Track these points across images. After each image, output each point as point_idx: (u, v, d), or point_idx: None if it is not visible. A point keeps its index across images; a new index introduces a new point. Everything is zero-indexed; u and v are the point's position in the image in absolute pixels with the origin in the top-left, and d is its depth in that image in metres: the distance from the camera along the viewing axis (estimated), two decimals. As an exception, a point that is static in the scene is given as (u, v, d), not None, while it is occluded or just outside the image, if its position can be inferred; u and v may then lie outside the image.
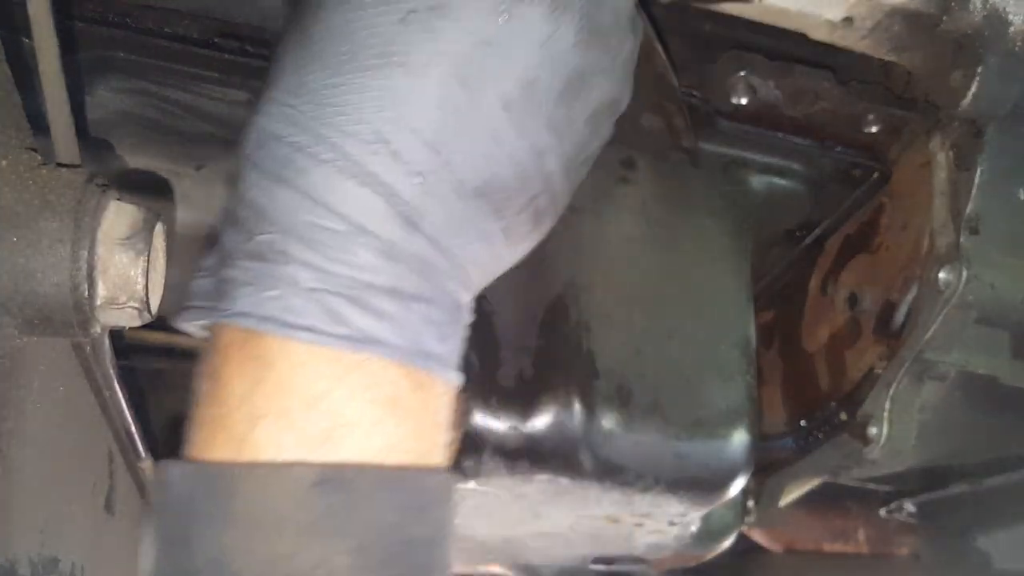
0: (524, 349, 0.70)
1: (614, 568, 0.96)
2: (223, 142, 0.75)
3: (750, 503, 0.98)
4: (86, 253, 0.48)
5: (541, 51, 0.47)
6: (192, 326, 0.49)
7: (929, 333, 0.74)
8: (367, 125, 0.44)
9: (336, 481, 0.43)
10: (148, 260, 0.49)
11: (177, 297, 0.56)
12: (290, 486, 0.43)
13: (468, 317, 0.52)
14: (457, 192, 0.47)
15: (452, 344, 0.50)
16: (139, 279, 0.49)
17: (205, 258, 0.49)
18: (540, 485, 0.72)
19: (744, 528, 1.05)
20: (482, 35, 0.45)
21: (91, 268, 0.48)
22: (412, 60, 0.45)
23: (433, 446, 0.49)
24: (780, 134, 0.80)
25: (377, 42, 0.45)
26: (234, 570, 0.42)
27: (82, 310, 0.48)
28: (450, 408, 0.50)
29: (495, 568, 1.00)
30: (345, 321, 0.44)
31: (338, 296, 0.44)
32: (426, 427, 0.48)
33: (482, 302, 0.70)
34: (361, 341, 0.45)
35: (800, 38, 0.69)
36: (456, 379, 0.50)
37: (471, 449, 0.68)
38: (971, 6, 0.65)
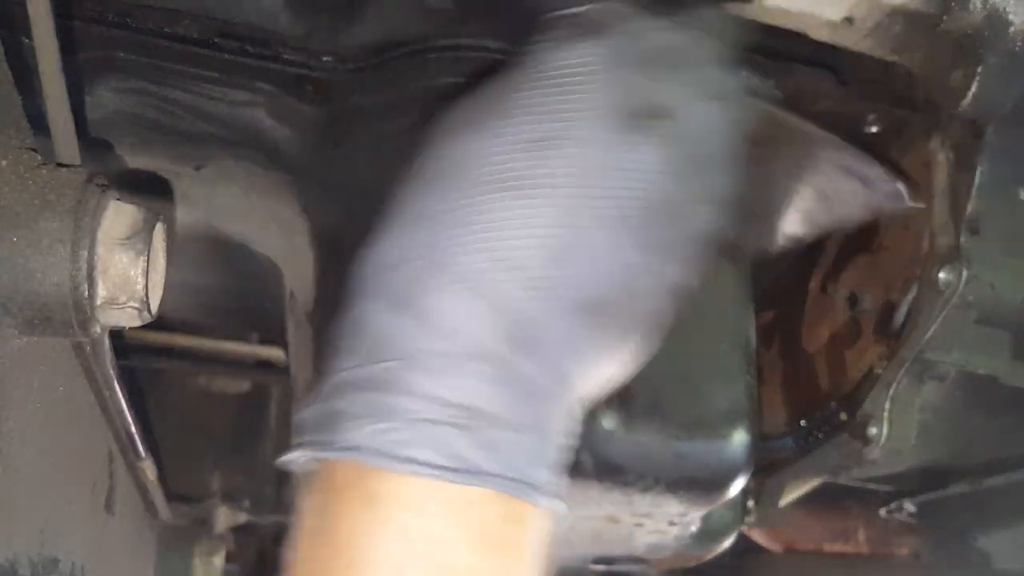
0: (524, 349, 0.70)
1: (614, 568, 0.96)
2: (223, 142, 0.75)
3: (750, 503, 0.98)
4: (86, 253, 0.48)
5: (651, 178, 0.49)
6: (301, 462, 0.48)
7: (929, 333, 0.74)
8: (483, 246, 0.46)
9: None
10: (148, 260, 0.49)
11: (177, 297, 0.56)
12: None
13: (567, 443, 0.52)
14: (571, 307, 0.48)
15: (557, 472, 0.50)
16: (139, 279, 0.49)
17: (312, 391, 0.49)
18: (540, 485, 0.72)
19: (744, 528, 1.05)
20: (598, 161, 0.47)
21: (91, 268, 0.48)
22: (528, 183, 0.46)
23: None
24: (780, 134, 0.80)
25: (492, 169, 0.47)
26: None
27: (82, 310, 0.48)
28: (547, 537, 0.50)
29: (495, 568, 1.00)
30: (458, 454, 0.44)
31: (452, 427, 0.44)
32: (523, 564, 0.48)
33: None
34: (473, 474, 0.44)
35: (800, 38, 0.69)
36: (559, 508, 0.49)
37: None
38: (971, 6, 0.64)
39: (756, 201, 0.76)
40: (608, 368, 0.53)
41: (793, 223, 0.80)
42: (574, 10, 0.53)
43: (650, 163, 0.49)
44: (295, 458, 0.47)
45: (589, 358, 0.50)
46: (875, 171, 0.74)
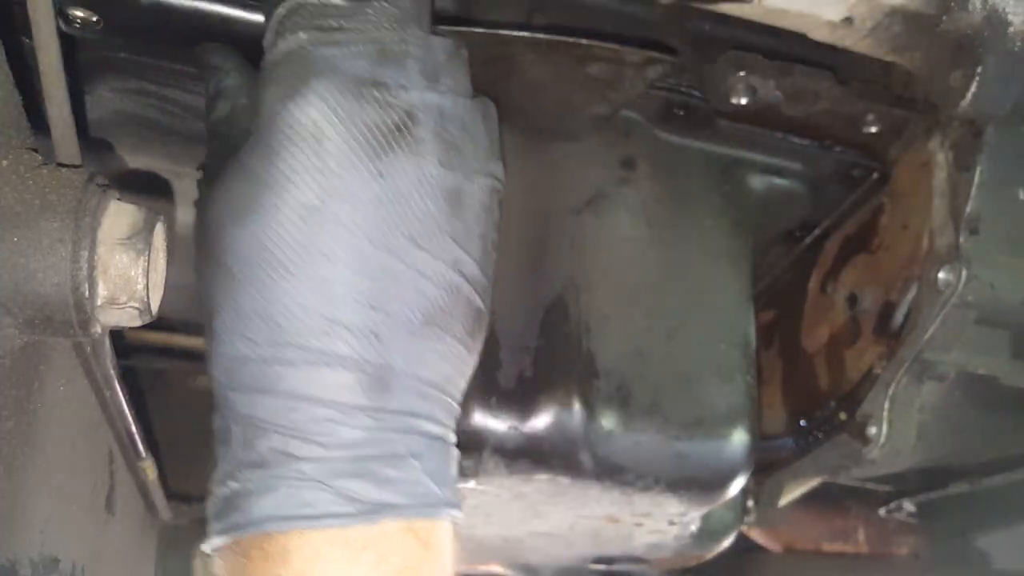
0: (524, 349, 0.70)
1: (614, 568, 0.96)
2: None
3: (750, 503, 0.98)
4: (86, 253, 0.48)
5: (421, 186, 0.52)
6: (223, 545, 0.52)
7: (929, 333, 0.74)
8: (313, 317, 0.49)
9: None
10: (148, 260, 0.49)
11: (177, 297, 0.56)
12: None
13: (455, 450, 0.57)
14: (410, 331, 0.52)
15: (451, 482, 0.55)
16: (139, 279, 0.49)
17: (210, 481, 0.53)
18: (540, 485, 0.72)
19: (744, 528, 1.05)
20: (370, 196, 0.50)
21: (91, 268, 0.48)
22: (323, 251, 0.50)
23: None
24: (780, 134, 0.80)
25: (287, 251, 0.50)
26: None
27: (82, 310, 0.48)
28: (453, 546, 0.55)
29: (495, 567, 1.00)
30: (358, 498, 0.49)
31: (345, 476, 0.49)
32: None
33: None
34: (376, 511, 0.49)
35: (800, 38, 0.70)
36: (457, 515, 0.54)
37: (471, 449, 0.68)
38: (971, 6, 0.65)
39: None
40: (463, 359, 0.57)
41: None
42: (273, 56, 0.53)
43: (414, 174, 0.52)
44: (217, 545, 0.52)
45: (443, 361, 0.55)
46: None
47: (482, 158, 0.57)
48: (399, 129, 0.52)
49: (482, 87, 0.61)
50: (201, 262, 0.55)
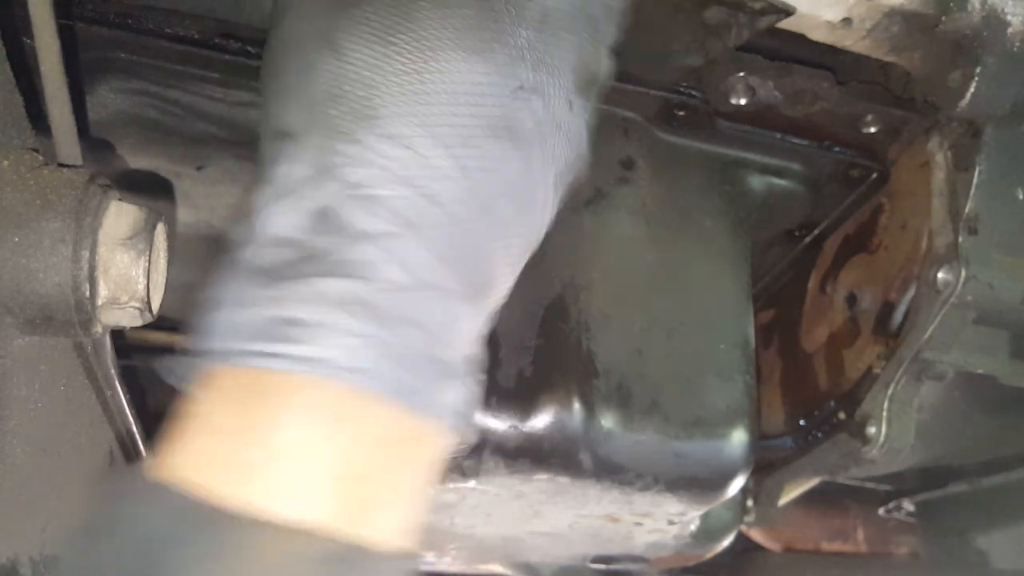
0: (524, 348, 0.70)
1: (613, 567, 0.97)
2: (224, 142, 0.75)
3: (749, 502, 0.98)
4: (88, 253, 0.48)
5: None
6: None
7: (927, 333, 0.74)
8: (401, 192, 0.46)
9: (347, 562, 0.43)
10: (149, 260, 0.49)
11: (178, 297, 0.56)
12: (303, 552, 0.42)
13: (470, 372, 0.52)
14: (481, 217, 0.48)
15: (465, 400, 0.50)
16: (140, 279, 0.49)
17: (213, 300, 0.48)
18: (540, 484, 0.72)
19: (743, 527, 1.05)
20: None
21: (92, 268, 0.48)
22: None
23: (415, 508, 0.49)
24: (779, 134, 0.80)
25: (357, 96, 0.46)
26: None
27: (84, 310, 0.48)
28: (440, 462, 0.50)
29: (495, 567, 1.00)
30: (377, 370, 0.44)
31: (375, 346, 0.44)
32: (414, 480, 0.48)
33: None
34: (377, 380, 0.44)
35: (800, 38, 0.70)
36: (467, 433, 0.50)
37: (471, 448, 0.68)
38: (969, 7, 0.65)
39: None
40: (505, 268, 0.53)
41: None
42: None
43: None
44: (215, 366, 0.46)
45: (487, 256, 0.50)
46: None
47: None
48: None
49: None
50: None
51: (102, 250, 0.48)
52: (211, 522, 0.42)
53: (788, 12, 0.67)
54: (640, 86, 0.76)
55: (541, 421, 0.69)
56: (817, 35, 0.69)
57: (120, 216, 0.50)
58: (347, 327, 0.45)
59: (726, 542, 0.94)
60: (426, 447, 0.49)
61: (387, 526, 0.46)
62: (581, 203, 0.75)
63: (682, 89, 0.77)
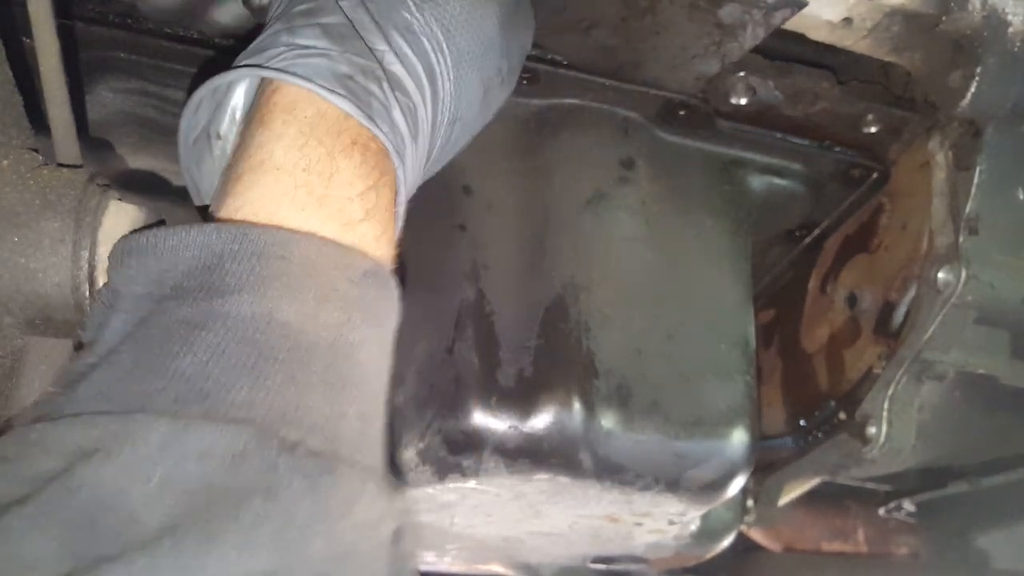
0: (524, 348, 0.70)
1: (613, 567, 0.96)
2: (223, 142, 0.75)
3: (749, 502, 0.98)
4: (87, 253, 0.48)
5: None
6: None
7: (928, 333, 0.75)
8: None
9: (378, 276, 0.48)
10: (149, 260, 0.49)
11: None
12: (348, 265, 0.46)
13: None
14: None
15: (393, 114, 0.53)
16: (140, 279, 0.49)
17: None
18: (540, 484, 0.72)
19: (743, 527, 1.05)
20: None
21: (92, 268, 0.48)
22: None
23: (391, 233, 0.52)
24: (779, 134, 0.80)
25: None
26: (281, 320, 0.43)
27: (83, 309, 0.48)
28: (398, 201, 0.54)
29: (495, 567, 1.00)
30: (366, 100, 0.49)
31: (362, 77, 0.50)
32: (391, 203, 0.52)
33: (482, 302, 0.71)
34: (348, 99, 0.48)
35: (800, 38, 0.70)
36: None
37: (471, 448, 0.68)
38: (970, 7, 0.65)
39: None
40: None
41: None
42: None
43: None
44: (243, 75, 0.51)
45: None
46: None
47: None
48: None
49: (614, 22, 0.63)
50: None
51: (101, 250, 0.48)
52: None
53: (801, 4, 0.67)
54: (640, 86, 0.76)
55: (541, 421, 0.69)
56: (817, 35, 0.69)
57: (119, 216, 0.50)
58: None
59: (726, 542, 0.94)
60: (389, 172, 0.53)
61: (385, 249, 0.51)
62: (581, 203, 0.75)
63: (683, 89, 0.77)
